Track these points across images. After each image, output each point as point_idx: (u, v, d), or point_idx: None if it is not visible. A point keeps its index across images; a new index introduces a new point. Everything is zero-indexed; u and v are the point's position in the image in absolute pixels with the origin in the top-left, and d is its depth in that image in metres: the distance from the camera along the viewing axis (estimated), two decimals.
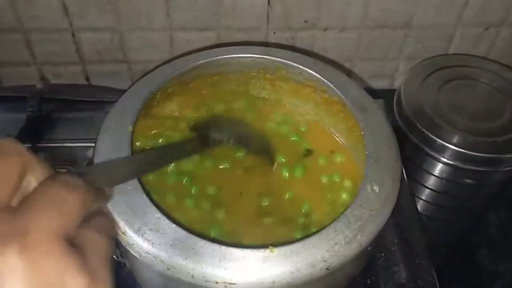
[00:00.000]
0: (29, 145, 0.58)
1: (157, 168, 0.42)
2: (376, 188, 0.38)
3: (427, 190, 0.64)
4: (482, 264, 0.64)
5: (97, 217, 0.26)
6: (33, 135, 0.58)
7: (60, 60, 0.69)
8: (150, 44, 0.67)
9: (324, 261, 0.34)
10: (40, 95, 0.60)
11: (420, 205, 0.64)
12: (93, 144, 0.41)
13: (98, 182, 0.28)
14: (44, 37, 0.66)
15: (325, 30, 0.68)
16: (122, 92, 0.46)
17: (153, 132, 0.48)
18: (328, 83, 0.47)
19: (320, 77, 0.47)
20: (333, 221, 0.36)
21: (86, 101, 0.64)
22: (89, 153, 0.42)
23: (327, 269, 0.34)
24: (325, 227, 0.36)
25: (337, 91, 0.46)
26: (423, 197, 0.64)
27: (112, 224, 0.30)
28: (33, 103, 0.59)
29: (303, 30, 0.68)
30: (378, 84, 0.76)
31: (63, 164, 0.53)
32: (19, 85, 0.68)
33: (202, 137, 0.46)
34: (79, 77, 0.72)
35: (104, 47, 0.68)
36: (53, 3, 0.62)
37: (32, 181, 0.23)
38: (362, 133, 0.42)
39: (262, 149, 0.49)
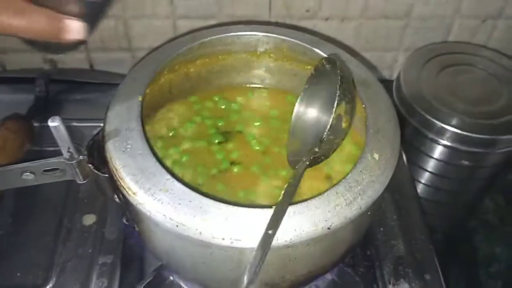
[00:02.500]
0: (37, 124, 0.59)
1: None
2: (376, 156, 0.40)
3: (426, 173, 0.65)
4: (478, 247, 0.65)
5: None
6: (41, 114, 0.60)
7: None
8: (154, 32, 0.69)
9: (326, 220, 0.36)
10: (48, 76, 0.62)
11: (418, 188, 0.66)
12: (98, 124, 0.42)
13: None
14: None
15: (326, 19, 0.69)
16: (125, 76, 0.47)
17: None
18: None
19: (324, 55, 0.48)
20: (333, 186, 0.38)
21: (91, 84, 0.65)
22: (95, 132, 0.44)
23: (328, 228, 0.36)
24: (327, 190, 0.37)
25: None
26: (422, 180, 0.66)
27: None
28: (41, 83, 0.60)
29: (304, 19, 0.69)
30: (378, 74, 0.77)
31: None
32: (27, 68, 0.70)
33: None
34: (83, 65, 0.73)
35: (108, 34, 0.69)
36: None
37: None
38: (364, 106, 0.44)
39: None
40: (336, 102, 0.39)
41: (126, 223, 0.41)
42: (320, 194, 0.37)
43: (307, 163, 0.40)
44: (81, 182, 0.41)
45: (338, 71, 0.40)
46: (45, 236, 0.52)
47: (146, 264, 0.48)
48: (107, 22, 0.67)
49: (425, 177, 0.66)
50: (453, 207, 0.70)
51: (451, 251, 0.66)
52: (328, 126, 0.40)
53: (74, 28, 0.34)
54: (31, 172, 0.39)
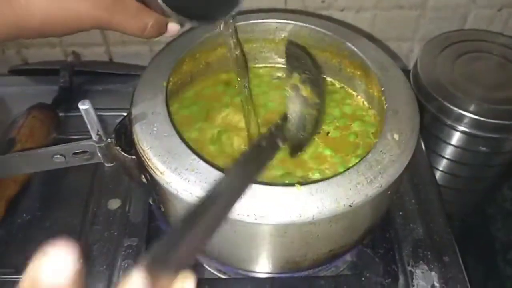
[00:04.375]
0: (62, 113, 0.61)
1: None
2: (396, 136, 0.41)
3: (444, 160, 0.65)
4: (496, 234, 0.66)
5: None
6: (65, 104, 0.62)
7: (84, 42, 0.72)
8: None
9: (347, 198, 0.37)
10: (71, 68, 0.64)
11: (436, 175, 0.66)
12: (120, 113, 0.44)
13: None
14: None
15: (342, 10, 0.70)
16: (145, 68, 0.48)
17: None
18: (351, 46, 0.49)
19: (344, 41, 0.49)
20: (355, 164, 0.39)
21: (112, 74, 0.67)
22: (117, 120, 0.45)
23: (350, 206, 0.37)
24: (348, 169, 0.38)
25: (359, 53, 0.48)
26: (440, 167, 0.66)
27: None
28: (65, 74, 0.62)
29: (319, 10, 0.70)
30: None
31: None
32: (51, 60, 0.72)
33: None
34: (103, 58, 0.75)
35: None
36: None
37: None
38: (382, 88, 0.45)
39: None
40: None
41: (152, 204, 0.42)
42: (341, 172, 0.38)
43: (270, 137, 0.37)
44: (108, 165, 0.43)
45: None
46: (72, 220, 0.53)
47: None
48: None
49: (442, 164, 0.66)
50: (471, 194, 0.70)
51: (469, 238, 0.66)
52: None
53: (173, 30, 0.40)
54: (61, 155, 0.41)
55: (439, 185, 0.66)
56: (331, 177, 0.38)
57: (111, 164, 0.43)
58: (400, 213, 0.53)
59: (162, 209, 0.43)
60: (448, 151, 0.65)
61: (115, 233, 0.51)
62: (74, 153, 0.42)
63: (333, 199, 0.37)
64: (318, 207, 0.36)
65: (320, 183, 0.37)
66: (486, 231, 0.68)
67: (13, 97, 0.66)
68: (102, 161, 0.42)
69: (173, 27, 0.39)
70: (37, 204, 0.56)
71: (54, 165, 0.41)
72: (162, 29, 0.39)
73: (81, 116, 0.40)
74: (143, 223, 0.51)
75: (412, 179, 0.56)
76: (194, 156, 0.38)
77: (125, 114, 0.44)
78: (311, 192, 0.37)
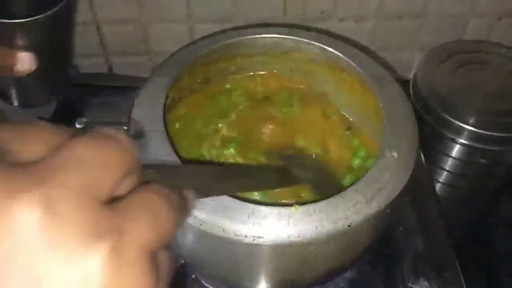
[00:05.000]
0: None
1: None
2: (394, 154, 0.40)
3: (444, 172, 0.65)
4: (498, 245, 0.65)
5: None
6: (65, 118, 0.61)
7: (84, 52, 0.72)
8: (172, 36, 0.69)
9: (346, 218, 0.36)
10: (70, 82, 0.64)
11: (436, 187, 0.66)
12: (119, 126, 0.43)
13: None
14: None
15: (341, 20, 0.69)
16: (144, 80, 0.48)
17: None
18: (349, 60, 0.49)
19: (341, 55, 0.49)
20: (354, 183, 0.38)
21: (111, 87, 0.67)
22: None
23: (348, 226, 0.36)
24: (346, 188, 0.38)
25: (357, 67, 0.48)
26: (440, 179, 0.66)
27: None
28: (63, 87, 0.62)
29: (319, 21, 0.69)
30: (394, 74, 0.77)
31: None
32: None
33: (284, 170, 0.45)
34: (102, 69, 0.75)
35: (126, 38, 0.70)
36: None
37: (126, 183, 0.19)
38: (381, 104, 0.44)
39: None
40: None
41: None
42: (340, 192, 0.38)
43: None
44: None
45: None
46: None
47: None
48: (125, 26, 0.68)
49: (443, 176, 0.66)
50: (472, 206, 0.70)
51: (471, 249, 0.66)
52: None
53: (26, 60, 0.35)
54: None
55: (439, 196, 0.66)
56: (330, 197, 0.37)
57: None
58: (400, 228, 0.53)
59: None
60: (448, 163, 0.64)
61: None
62: None
63: (331, 219, 0.36)
64: (316, 228, 0.36)
65: (318, 203, 0.37)
66: (488, 243, 0.68)
67: (11, 111, 0.65)
68: None
69: (26, 57, 0.34)
70: None
71: None
72: (12, 64, 0.34)
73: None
74: None
75: (413, 193, 0.56)
76: None
77: (125, 128, 0.44)
78: (309, 212, 0.36)
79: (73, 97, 0.65)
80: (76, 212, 0.16)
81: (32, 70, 0.33)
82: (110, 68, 0.75)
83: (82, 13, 0.66)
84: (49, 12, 0.49)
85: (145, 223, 0.18)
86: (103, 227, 0.17)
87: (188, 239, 0.40)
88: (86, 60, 0.73)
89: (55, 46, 0.54)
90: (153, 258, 0.18)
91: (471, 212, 0.70)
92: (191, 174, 0.29)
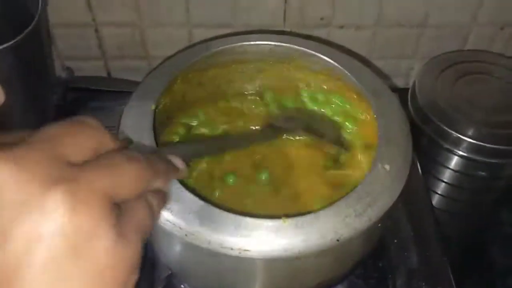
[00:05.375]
0: None
1: (223, 151, 0.46)
2: (387, 167, 0.40)
3: (441, 184, 0.64)
4: (495, 259, 0.64)
5: (155, 195, 0.26)
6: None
7: (83, 55, 0.71)
8: (170, 40, 0.69)
9: (335, 232, 0.36)
10: (65, 85, 0.63)
11: (434, 199, 0.65)
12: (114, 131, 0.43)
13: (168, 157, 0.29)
14: (67, 32, 0.68)
15: (341, 28, 0.69)
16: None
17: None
18: (344, 70, 0.48)
19: (337, 65, 0.48)
20: (344, 196, 0.37)
21: (107, 91, 0.66)
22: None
23: (337, 240, 0.36)
24: (336, 201, 0.37)
25: (352, 77, 0.47)
26: (438, 191, 0.65)
27: (163, 206, 0.28)
28: (58, 91, 0.61)
29: (318, 27, 0.69)
30: (393, 82, 0.77)
31: None
32: None
33: (272, 127, 0.50)
34: (101, 72, 0.74)
35: (125, 42, 0.70)
36: None
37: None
38: (375, 115, 0.43)
39: (334, 138, 0.51)
40: None
41: None
42: (329, 205, 0.37)
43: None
44: None
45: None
46: None
47: (157, 272, 0.49)
48: (124, 30, 0.68)
49: (440, 188, 0.65)
50: (469, 219, 0.69)
51: (467, 263, 0.65)
52: None
53: None
54: None
55: (437, 209, 0.65)
56: (318, 210, 0.36)
57: None
58: (394, 240, 0.52)
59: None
60: (446, 175, 0.63)
61: None
62: None
63: (319, 233, 0.35)
64: (304, 241, 0.35)
65: (306, 216, 0.36)
66: (485, 256, 0.67)
67: None
68: None
69: None
70: None
71: None
72: None
73: None
74: None
75: (408, 205, 0.55)
76: (179, 185, 0.37)
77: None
78: (297, 225, 0.35)
79: (69, 101, 0.65)
80: (39, 166, 0.20)
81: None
82: (109, 72, 0.74)
83: (81, 16, 0.66)
84: (11, 42, 0.48)
85: (101, 173, 0.22)
86: (61, 175, 0.20)
87: (174, 250, 0.40)
88: (86, 63, 0.73)
89: (25, 75, 0.53)
90: (114, 203, 0.22)
91: (469, 225, 0.69)
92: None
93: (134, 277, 0.23)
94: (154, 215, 0.26)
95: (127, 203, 0.23)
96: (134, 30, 0.68)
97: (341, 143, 0.50)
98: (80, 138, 0.23)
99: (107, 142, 0.24)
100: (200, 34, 0.69)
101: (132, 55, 0.72)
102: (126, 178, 0.23)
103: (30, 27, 0.49)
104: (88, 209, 0.20)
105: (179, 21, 0.67)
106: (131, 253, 0.22)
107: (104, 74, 0.75)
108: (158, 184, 0.26)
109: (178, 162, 0.30)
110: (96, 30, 0.68)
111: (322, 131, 0.51)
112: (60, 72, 0.71)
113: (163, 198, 0.28)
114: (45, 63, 0.60)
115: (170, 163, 0.29)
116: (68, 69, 0.69)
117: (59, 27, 0.68)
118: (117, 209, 0.22)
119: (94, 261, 0.20)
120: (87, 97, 0.67)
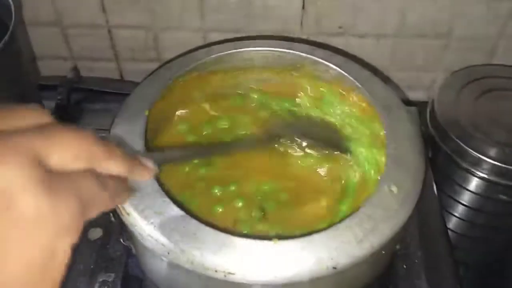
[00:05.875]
0: None
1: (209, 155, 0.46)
2: (394, 189, 0.36)
3: (459, 205, 0.60)
4: None
5: (113, 178, 0.25)
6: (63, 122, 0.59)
7: (95, 56, 0.71)
8: (184, 45, 0.67)
9: (332, 258, 0.32)
10: (70, 85, 0.62)
11: (450, 221, 0.61)
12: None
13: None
14: (81, 32, 0.68)
15: (360, 37, 0.66)
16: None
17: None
18: (355, 81, 0.45)
19: (347, 75, 0.45)
20: (343, 219, 0.34)
21: (113, 93, 0.65)
22: None
23: (334, 268, 0.32)
24: (334, 224, 0.34)
25: (363, 89, 0.44)
26: (454, 213, 0.61)
27: (125, 194, 0.27)
28: (63, 91, 0.60)
29: (337, 36, 0.66)
30: (415, 95, 0.74)
31: None
32: (51, 75, 0.71)
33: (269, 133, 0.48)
34: (113, 74, 0.73)
35: (138, 45, 0.69)
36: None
37: None
38: (385, 132, 0.40)
39: (331, 141, 0.49)
40: None
41: (124, 243, 0.39)
42: (326, 228, 0.34)
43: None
44: None
45: None
46: None
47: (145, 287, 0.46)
48: (137, 32, 0.67)
49: (458, 210, 0.61)
50: (488, 243, 0.64)
51: None
52: None
53: None
54: None
55: (453, 233, 0.61)
56: (314, 232, 0.33)
57: None
58: (404, 265, 0.48)
59: (133, 251, 0.40)
60: (465, 197, 0.59)
61: (92, 266, 0.47)
62: None
63: (314, 259, 0.32)
64: (296, 267, 0.32)
65: (300, 239, 0.33)
66: (505, 283, 0.63)
67: None
68: None
69: None
70: None
71: None
72: None
73: None
74: (122, 258, 0.47)
75: (420, 227, 0.51)
76: (166, 198, 0.35)
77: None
78: (290, 248, 0.32)
79: (73, 102, 0.63)
80: None
81: None
82: (121, 74, 0.73)
83: (94, 17, 0.65)
84: None
85: (32, 135, 0.21)
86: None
87: (158, 266, 0.37)
88: (97, 64, 0.72)
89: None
90: (40, 160, 0.21)
91: (487, 251, 0.65)
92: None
93: (65, 243, 0.21)
94: (109, 195, 0.24)
95: (69, 171, 0.22)
96: (147, 33, 0.67)
97: (341, 148, 0.48)
98: (20, 114, 0.23)
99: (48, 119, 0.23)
100: (214, 39, 0.67)
101: (144, 58, 0.71)
102: (63, 143, 0.22)
103: (5, 38, 0.47)
104: (10, 162, 0.20)
105: (193, 26, 0.66)
106: (61, 212, 0.21)
107: (117, 76, 0.74)
108: (114, 168, 0.25)
109: (147, 162, 0.29)
110: (109, 32, 0.67)
111: (322, 137, 0.49)
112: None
113: (124, 185, 0.27)
114: (24, 69, 0.58)
115: (135, 158, 0.28)
116: (75, 69, 0.68)
117: (72, 27, 0.67)
118: (49, 169, 0.21)
119: (14, 214, 0.20)
120: (92, 99, 0.65)
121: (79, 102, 0.64)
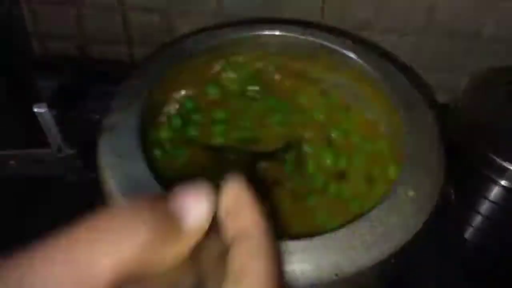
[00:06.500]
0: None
1: None
2: (410, 193, 0.33)
3: (478, 216, 0.56)
4: None
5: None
6: (65, 102, 0.57)
7: (108, 39, 0.69)
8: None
9: (334, 266, 0.29)
10: (75, 65, 0.60)
11: (468, 232, 0.57)
12: None
13: None
14: (95, 13, 0.66)
15: (383, 33, 0.63)
16: None
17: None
18: (375, 74, 0.41)
19: (367, 66, 0.42)
20: (351, 221, 0.31)
21: (120, 77, 0.63)
22: None
23: (336, 275, 0.29)
24: (341, 226, 0.31)
25: (383, 83, 0.40)
26: (472, 224, 0.57)
27: None
28: (67, 72, 0.58)
29: (358, 30, 0.63)
30: (439, 98, 0.70)
31: None
32: (57, 54, 0.69)
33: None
34: (124, 58, 0.71)
35: (151, 29, 0.67)
36: None
37: None
38: (404, 130, 0.37)
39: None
40: None
41: None
42: (331, 230, 0.30)
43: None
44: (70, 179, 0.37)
45: None
46: None
47: None
48: (150, 16, 0.65)
49: (477, 221, 0.57)
50: (507, 257, 0.60)
51: None
52: None
53: None
54: (15, 160, 0.36)
55: (471, 243, 0.57)
56: (317, 234, 0.30)
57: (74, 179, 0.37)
58: (414, 277, 0.45)
59: None
60: (485, 207, 0.55)
61: None
62: (34, 161, 0.36)
63: (315, 264, 0.29)
64: (295, 273, 0.29)
65: (301, 242, 0.30)
66: None
67: None
68: (62, 173, 0.37)
69: None
70: None
71: (8, 170, 0.36)
72: None
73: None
74: None
75: (435, 237, 0.47)
76: (159, 188, 0.32)
77: None
78: (288, 251, 0.29)
79: (78, 83, 0.61)
80: None
81: None
82: (132, 58, 0.71)
83: None
84: None
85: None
86: None
87: None
88: (110, 47, 0.70)
89: None
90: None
91: (505, 264, 0.61)
92: None
93: None
94: None
95: None
96: (161, 18, 0.65)
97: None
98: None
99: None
100: None
101: (157, 43, 0.68)
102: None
103: None
104: None
105: (211, 11, 0.64)
106: None
107: (128, 60, 0.71)
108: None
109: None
110: (124, 15, 0.65)
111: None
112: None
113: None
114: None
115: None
116: (81, 48, 0.66)
117: (87, 7, 0.65)
118: None
119: None
120: (98, 81, 0.63)
121: (84, 84, 0.62)
